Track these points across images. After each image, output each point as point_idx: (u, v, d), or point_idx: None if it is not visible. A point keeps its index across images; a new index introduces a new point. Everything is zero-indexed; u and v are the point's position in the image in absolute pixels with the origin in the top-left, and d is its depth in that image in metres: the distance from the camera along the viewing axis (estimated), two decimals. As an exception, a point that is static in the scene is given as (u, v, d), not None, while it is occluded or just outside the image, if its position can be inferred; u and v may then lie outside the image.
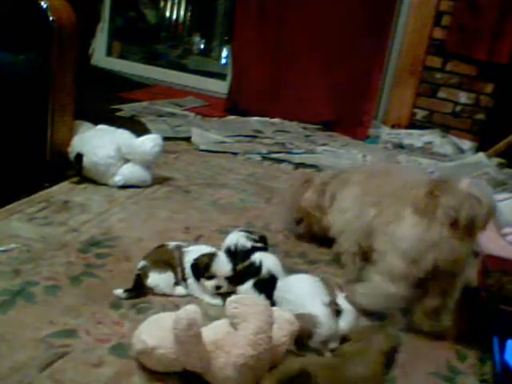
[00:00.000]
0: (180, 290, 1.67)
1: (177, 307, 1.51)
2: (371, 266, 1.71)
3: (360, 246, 1.82)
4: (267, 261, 1.72)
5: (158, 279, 1.66)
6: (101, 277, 1.71)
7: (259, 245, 1.80)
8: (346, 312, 1.55)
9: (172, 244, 1.79)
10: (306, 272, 1.81)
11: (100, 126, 2.55)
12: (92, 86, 3.37)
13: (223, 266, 1.68)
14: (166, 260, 1.71)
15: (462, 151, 3.71)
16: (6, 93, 2.13)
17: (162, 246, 1.78)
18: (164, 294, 1.66)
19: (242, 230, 1.87)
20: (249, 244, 1.78)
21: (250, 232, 1.88)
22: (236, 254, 1.76)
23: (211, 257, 1.68)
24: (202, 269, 1.67)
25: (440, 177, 1.68)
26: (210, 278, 1.66)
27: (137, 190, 2.39)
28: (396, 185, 1.73)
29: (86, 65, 4.19)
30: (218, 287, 1.66)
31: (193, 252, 1.73)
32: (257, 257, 1.72)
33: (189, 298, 1.66)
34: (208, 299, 1.66)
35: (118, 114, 3.47)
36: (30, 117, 2.28)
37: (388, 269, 1.63)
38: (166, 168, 2.70)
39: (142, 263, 1.70)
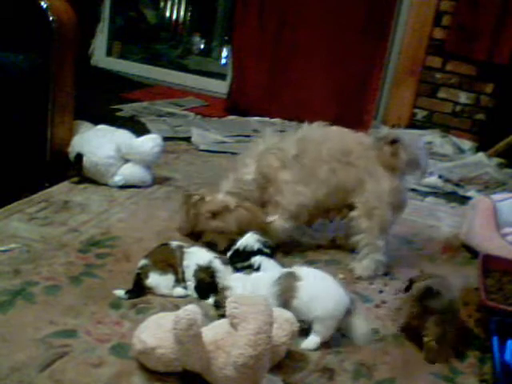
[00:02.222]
0: (179, 291, 1.67)
1: (177, 307, 1.51)
2: (356, 225, 1.96)
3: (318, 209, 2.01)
4: (267, 265, 1.72)
5: (158, 280, 1.66)
6: (101, 277, 1.71)
7: (266, 250, 1.81)
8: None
9: (174, 243, 1.79)
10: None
11: (100, 126, 2.55)
12: (92, 85, 3.37)
13: (226, 276, 1.68)
14: (167, 260, 1.71)
15: (462, 151, 3.71)
16: (5, 93, 2.13)
17: (164, 244, 1.79)
18: (163, 294, 1.66)
19: (256, 233, 1.87)
20: (256, 246, 1.79)
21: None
22: (241, 254, 1.79)
23: (209, 272, 1.68)
24: (207, 288, 1.66)
25: (387, 135, 1.97)
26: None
27: (137, 190, 2.39)
28: (347, 147, 1.98)
29: (86, 65, 4.19)
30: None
31: (192, 254, 1.73)
32: (257, 259, 1.74)
33: (189, 297, 1.67)
34: (208, 299, 1.66)
35: (118, 114, 3.47)
36: (29, 117, 2.28)
37: (381, 220, 1.94)
38: (166, 168, 2.70)
39: (142, 262, 1.70)
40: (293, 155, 1.97)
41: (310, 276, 1.57)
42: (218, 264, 1.70)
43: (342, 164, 1.96)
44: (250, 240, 1.81)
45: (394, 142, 1.93)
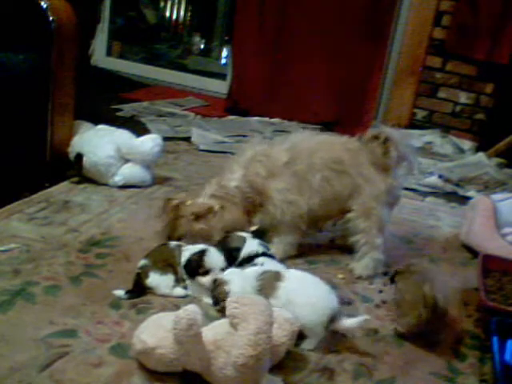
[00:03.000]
0: (178, 291, 1.67)
1: (177, 307, 1.51)
2: (353, 226, 1.96)
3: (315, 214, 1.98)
4: (270, 265, 1.73)
5: (158, 280, 1.66)
6: (101, 277, 1.71)
7: (270, 252, 1.81)
8: None
9: (173, 243, 1.79)
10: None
11: (100, 126, 2.55)
12: (92, 86, 3.37)
13: (215, 258, 1.69)
14: (166, 260, 1.71)
15: (462, 151, 3.71)
16: (5, 93, 2.13)
17: (164, 244, 1.79)
18: (163, 294, 1.66)
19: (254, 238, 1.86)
20: (260, 250, 1.78)
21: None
22: (246, 261, 1.78)
23: (202, 253, 1.69)
24: (195, 266, 1.67)
25: (378, 134, 1.98)
26: (206, 273, 1.67)
27: (137, 190, 2.39)
28: (337, 155, 1.97)
29: (86, 65, 4.19)
30: (215, 281, 1.66)
31: (188, 251, 1.73)
32: (260, 260, 1.74)
33: (189, 297, 1.67)
34: (207, 299, 1.66)
35: (118, 114, 3.47)
36: (29, 117, 2.28)
37: (378, 219, 1.96)
38: (166, 168, 2.70)
39: (142, 262, 1.70)
40: (283, 162, 1.94)
41: (294, 279, 1.58)
42: (210, 248, 1.72)
43: (335, 173, 1.95)
44: (253, 246, 1.80)
45: (385, 141, 1.95)
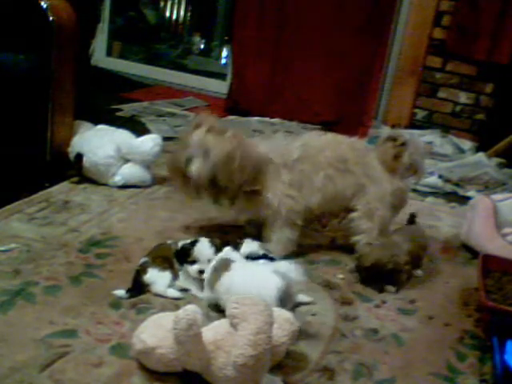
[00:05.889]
0: (172, 292, 1.67)
1: (177, 307, 1.51)
2: (356, 226, 1.98)
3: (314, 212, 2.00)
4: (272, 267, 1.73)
5: (156, 276, 1.66)
6: (101, 277, 1.71)
7: (271, 255, 1.80)
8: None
9: (171, 241, 1.81)
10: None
11: (100, 126, 2.55)
12: (92, 85, 3.37)
13: (204, 249, 1.70)
14: (165, 256, 1.72)
15: (462, 151, 3.71)
16: (5, 93, 2.13)
17: (162, 244, 1.80)
18: (157, 294, 1.66)
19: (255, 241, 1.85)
20: (261, 252, 1.77)
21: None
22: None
23: (193, 243, 1.71)
24: (184, 254, 1.70)
25: (396, 136, 2.01)
26: (193, 262, 1.68)
27: (137, 190, 2.39)
28: (342, 154, 1.99)
29: (86, 65, 4.19)
30: (201, 271, 1.67)
31: (183, 242, 1.75)
32: (260, 262, 1.73)
33: (189, 297, 1.67)
34: (195, 291, 1.68)
35: (118, 114, 3.47)
36: (30, 117, 2.28)
37: (381, 221, 1.97)
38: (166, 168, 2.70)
39: (143, 260, 1.71)
40: (294, 159, 1.97)
41: (238, 269, 1.61)
42: (203, 239, 1.73)
43: (339, 171, 1.97)
44: (253, 247, 1.79)
45: (401, 144, 1.97)
